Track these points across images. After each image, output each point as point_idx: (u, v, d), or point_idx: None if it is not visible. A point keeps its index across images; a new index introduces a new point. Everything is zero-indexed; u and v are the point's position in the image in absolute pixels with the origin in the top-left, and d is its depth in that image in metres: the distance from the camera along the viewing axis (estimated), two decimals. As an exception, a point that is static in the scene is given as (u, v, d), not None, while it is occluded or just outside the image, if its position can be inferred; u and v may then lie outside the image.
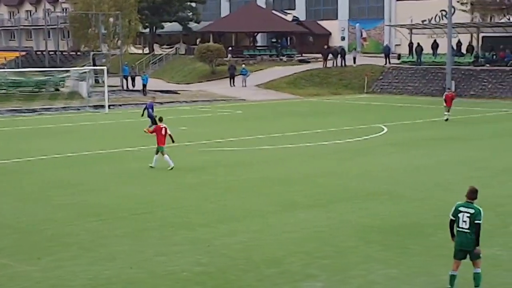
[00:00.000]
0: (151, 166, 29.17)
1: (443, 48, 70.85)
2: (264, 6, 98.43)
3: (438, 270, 15.96)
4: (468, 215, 14.32)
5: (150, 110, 40.37)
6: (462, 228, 14.35)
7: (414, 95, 67.12)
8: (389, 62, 76.52)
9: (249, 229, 19.68)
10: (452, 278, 14.59)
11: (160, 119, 30.71)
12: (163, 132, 29.42)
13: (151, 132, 31.29)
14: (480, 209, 14.35)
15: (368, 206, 22.27)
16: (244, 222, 20.50)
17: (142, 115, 40.93)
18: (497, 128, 42.67)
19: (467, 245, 14.35)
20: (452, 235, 14.61)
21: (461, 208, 14.46)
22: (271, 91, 70.46)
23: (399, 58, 78.86)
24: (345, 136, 38.70)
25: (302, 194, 24.22)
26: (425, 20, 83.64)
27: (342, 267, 16.35)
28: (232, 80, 73.19)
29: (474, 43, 76.01)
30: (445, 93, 48.74)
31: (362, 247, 17.79)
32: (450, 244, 17.78)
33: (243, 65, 75.21)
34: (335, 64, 77.58)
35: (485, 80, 66.65)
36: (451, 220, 14.56)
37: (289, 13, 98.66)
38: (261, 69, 79.28)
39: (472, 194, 14.55)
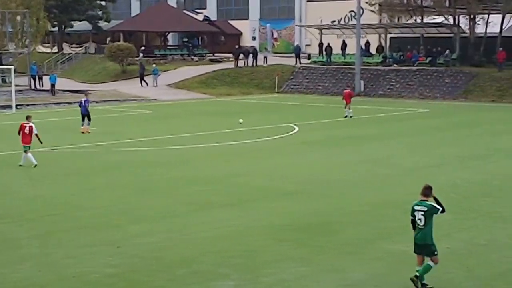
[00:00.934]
0: (20, 165, 29.26)
1: (352, 48, 71.92)
2: (175, 6, 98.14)
3: (347, 266, 16.22)
4: (422, 212, 14.89)
5: (84, 107, 40.69)
6: (419, 225, 14.91)
7: (325, 94, 67.89)
8: (300, 62, 77.20)
9: (161, 229, 19.59)
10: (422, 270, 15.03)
11: (27, 117, 30.33)
12: (26, 130, 29.15)
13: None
14: (433, 204, 14.99)
15: (280, 205, 22.42)
16: (156, 222, 20.40)
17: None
18: (405, 127, 43.48)
19: (423, 240, 14.88)
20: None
21: (416, 207, 15.00)
22: (183, 90, 70.27)
23: (309, 58, 79.65)
24: (257, 136, 38.85)
25: (215, 193, 24.24)
26: (334, 21, 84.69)
27: (254, 266, 16.42)
28: (142, 80, 72.67)
29: (382, 44, 77.35)
30: (344, 90, 50.03)
31: (274, 246, 17.91)
32: (358, 241, 18.21)
33: (154, 65, 74.78)
34: (246, 64, 77.84)
35: (393, 80, 67.88)
36: (412, 220, 15.08)
37: (200, 13, 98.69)
38: (172, 69, 79.00)
39: (426, 191, 15.09)
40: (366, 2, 74.69)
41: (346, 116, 47.07)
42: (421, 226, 14.86)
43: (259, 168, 29.14)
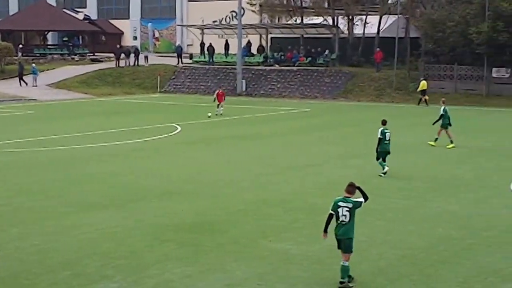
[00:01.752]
0: None
1: (235, 49, 72.41)
2: (54, 4, 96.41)
3: (231, 266, 16.32)
4: (348, 209, 15.22)
5: None
6: (343, 221, 15.22)
7: (207, 94, 67.99)
8: (182, 62, 77.20)
9: (42, 231, 19.25)
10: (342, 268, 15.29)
11: None
12: None
13: None
14: (357, 200, 15.39)
15: (163, 205, 22.37)
16: (38, 224, 20.03)
17: None
18: (286, 126, 44.02)
19: (345, 234, 15.25)
20: (326, 229, 15.48)
21: (340, 203, 15.28)
22: (63, 90, 69.14)
23: (191, 58, 79.69)
24: (140, 136, 38.63)
25: (97, 194, 23.97)
26: (216, 21, 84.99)
27: (138, 267, 16.33)
28: (21, 80, 71.06)
29: (264, 44, 78.07)
30: (216, 91, 50.99)
31: (158, 246, 17.86)
32: (241, 240, 18.34)
33: (33, 64, 73.25)
34: (128, 64, 77.26)
35: (274, 80, 68.66)
36: (331, 214, 15.37)
37: (80, 12, 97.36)
38: (52, 68, 77.64)
39: (350, 188, 15.42)
40: (247, 3, 75.36)
41: (217, 114, 48.62)
42: (345, 221, 15.23)
43: (141, 168, 28.96)
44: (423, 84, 58.78)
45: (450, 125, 34.76)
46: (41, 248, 17.74)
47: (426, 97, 58.11)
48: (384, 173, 27.45)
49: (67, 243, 18.23)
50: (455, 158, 31.95)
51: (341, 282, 15.17)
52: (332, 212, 15.38)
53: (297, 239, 18.56)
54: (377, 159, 27.96)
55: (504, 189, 24.95)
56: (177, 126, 42.56)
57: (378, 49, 67.89)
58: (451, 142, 34.36)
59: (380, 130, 27.77)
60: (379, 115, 50.40)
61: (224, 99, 49.80)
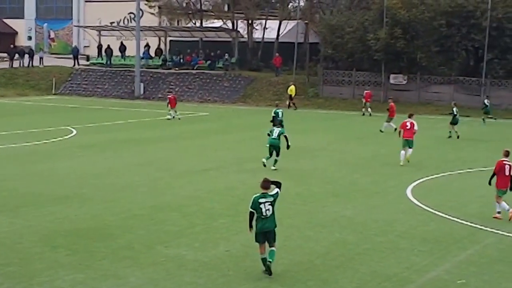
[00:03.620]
0: None
1: (132, 51, 71.70)
2: None
3: (125, 272, 15.96)
4: (269, 203, 15.89)
5: None
6: (266, 215, 15.88)
7: (104, 97, 67.08)
8: (78, 64, 75.92)
9: None
10: (264, 260, 15.96)
11: None
12: None
13: None
14: (275, 193, 16.07)
15: (55, 210, 21.75)
16: None
17: None
18: (184, 130, 43.72)
19: (269, 226, 15.93)
20: (251, 226, 16.03)
21: (261, 200, 15.87)
22: (-47, 91, 67.09)
23: (88, 60, 78.49)
24: (32, 139, 37.68)
25: (-16, 199, 23.18)
26: (113, 22, 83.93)
27: (27, 274, 15.77)
28: None
29: (162, 47, 77.48)
30: (169, 96, 51.25)
31: (48, 253, 17.31)
32: (136, 245, 17.95)
33: None
34: (21, 65, 75.52)
35: (173, 83, 68.19)
36: (252, 212, 15.84)
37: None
38: None
39: (266, 184, 16.06)
40: (146, 4, 74.68)
41: (170, 118, 48.91)
42: (268, 215, 15.85)
43: (33, 172, 28.17)
44: (291, 89, 59.51)
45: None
46: None
47: (294, 101, 59.42)
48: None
49: (-49, 249, 17.49)
50: (353, 163, 32.19)
51: (268, 267, 15.92)
52: (253, 210, 15.88)
53: (193, 245, 18.30)
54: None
55: (400, 195, 25.22)
56: (73, 129, 41.72)
57: (277, 54, 68.28)
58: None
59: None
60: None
61: (175, 105, 49.79)
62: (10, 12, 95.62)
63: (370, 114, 53.47)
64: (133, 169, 29.41)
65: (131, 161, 31.40)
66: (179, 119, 48.36)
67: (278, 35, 71.19)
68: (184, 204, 23.06)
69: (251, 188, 25.77)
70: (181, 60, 72.93)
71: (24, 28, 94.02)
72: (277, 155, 29.78)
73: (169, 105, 49.64)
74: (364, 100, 54.90)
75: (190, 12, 77.34)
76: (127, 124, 46.04)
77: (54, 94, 69.12)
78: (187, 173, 28.85)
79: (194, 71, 69.47)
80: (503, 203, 21.75)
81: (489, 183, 22.22)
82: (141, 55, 70.16)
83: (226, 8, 78.43)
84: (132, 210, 22.09)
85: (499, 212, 21.86)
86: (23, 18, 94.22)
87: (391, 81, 62.22)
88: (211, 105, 61.89)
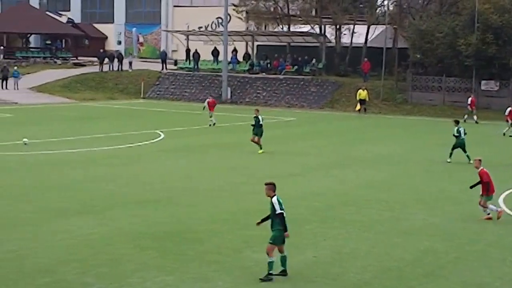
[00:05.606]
0: None
1: (219, 55, 72.17)
2: (37, 7, 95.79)
3: (213, 275, 16.03)
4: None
5: None
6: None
7: (191, 101, 67.57)
8: (166, 68, 76.63)
9: (19, 237, 18.86)
10: (283, 258, 16.19)
11: None
12: None
13: None
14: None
15: (143, 213, 22.00)
16: (14, 230, 19.63)
17: None
18: (269, 136, 43.56)
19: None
20: (286, 229, 16.29)
21: (280, 200, 16.34)
22: (45, 94, 68.53)
23: (176, 64, 79.16)
24: (121, 142, 38.23)
25: (74, 200, 23.58)
26: (201, 27, 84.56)
27: (118, 275, 15.99)
28: (4, 83, 70.38)
29: (250, 51, 77.67)
30: (207, 99, 49.45)
31: (138, 254, 17.51)
32: (223, 249, 18.03)
33: (15, 67, 72.62)
34: (111, 69, 76.73)
35: (260, 88, 68.28)
36: (282, 213, 16.21)
37: (63, 15, 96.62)
38: (34, 72, 76.94)
39: (274, 187, 16.55)
40: (234, 9, 74.95)
41: (211, 125, 46.92)
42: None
43: (121, 175, 28.58)
44: (360, 93, 59.06)
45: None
46: (19, 254, 17.37)
47: (364, 106, 59.08)
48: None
49: (45, 249, 17.87)
50: (440, 170, 31.70)
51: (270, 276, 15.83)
52: (283, 212, 16.14)
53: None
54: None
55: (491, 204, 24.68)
56: (160, 133, 42.16)
57: (365, 59, 67.70)
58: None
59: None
60: (364, 125, 50.50)
61: (213, 109, 48.20)
62: (100, 17, 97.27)
63: (477, 122, 52.41)
64: (217, 173, 29.54)
65: (215, 166, 31.55)
66: (214, 124, 47.27)
67: (366, 40, 70.62)
68: (269, 209, 22.96)
69: (338, 194, 25.74)
70: (268, 65, 72.94)
71: (113, 33, 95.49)
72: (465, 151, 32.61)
73: (206, 108, 48.17)
74: (469, 108, 53.82)
75: (277, 17, 77.32)
76: (213, 129, 46.29)
77: (143, 98, 70.00)
78: (272, 178, 28.43)
79: (281, 76, 69.40)
80: (491, 206, 22.20)
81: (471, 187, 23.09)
82: (229, 59, 70.49)
83: (313, 13, 78.20)
84: (218, 214, 22.19)
85: (489, 214, 22.18)
86: (112, 23, 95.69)
87: (482, 87, 60.93)
88: (298, 110, 61.76)
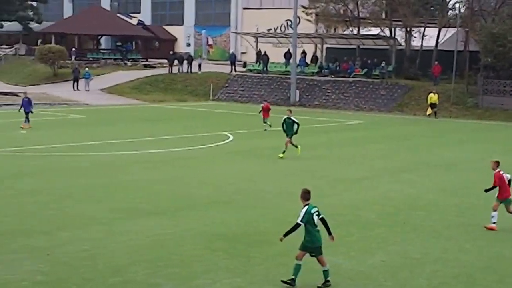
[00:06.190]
0: None
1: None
2: (108, 9, 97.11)
3: (280, 278, 15.96)
4: (317, 213, 15.60)
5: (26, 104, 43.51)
6: (316, 227, 15.55)
7: (260, 103, 67.40)
8: (235, 70, 76.92)
9: (91, 236, 19.14)
10: (325, 272, 15.70)
11: None
12: None
13: None
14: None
15: (212, 215, 22.11)
16: (86, 229, 19.92)
17: (19, 110, 44.13)
18: (338, 138, 43.58)
19: (320, 241, 15.60)
20: (286, 235, 15.65)
21: (313, 210, 15.50)
22: (115, 95, 69.46)
23: (244, 66, 79.39)
24: (190, 143, 38.50)
25: (145, 201, 23.82)
26: (270, 29, 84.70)
27: (188, 275, 16.11)
28: (76, 84, 71.58)
29: (318, 54, 77.51)
30: (262, 104, 48.48)
31: (208, 256, 17.61)
32: (292, 252, 17.96)
33: (87, 68, 73.77)
34: (180, 70, 77.34)
35: (329, 91, 68.09)
36: (299, 225, 15.41)
37: (134, 17, 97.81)
38: (105, 73, 78.07)
39: (309, 195, 15.74)
40: (303, 11, 74.89)
41: (265, 130, 45.87)
42: (317, 228, 15.57)
43: (191, 176, 28.77)
44: (431, 97, 58.35)
45: None
46: (91, 253, 17.61)
47: (435, 110, 58.57)
48: None
49: (116, 249, 18.09)
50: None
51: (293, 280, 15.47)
52: (301, 223, 15.47)
53: (349, 253, 18.23)
54: None
55: None
56: (229, 135, 42.34)
57: (436, 62, 66.94)
58: None
59: None
60: (435, 129, 49.95)
61: (268, 114, 46.46)
62: (170, 19, 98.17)
63: None
64: (287, 176, 29.52)
65: (283, 168, 31.54)
66: (265, 130, 45.95)
67: (437, 43, 69.80)
68: (340, 212, 22.94)
69: (407, 198, 25.51)
70: (337, 68, 72.71)
71: (183, 35, 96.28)
72: None
73: (261, 113, 46.76)
74: None
75: (347, 19, 77.02)
76: (281, 131, 46.20)
77: (212, 100, 70.41)
78: (342, 181, 28.73)
79: (350, 79, 69.10)
80: (493, 213, 21.44)
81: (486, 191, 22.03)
82: (297, 62, 70.45)
83: (384, 16, 77.65)
84: (287, 217, 22.04)
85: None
86: (182, 25, 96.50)
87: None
88: (366, 113, 61.41)
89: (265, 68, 75.29)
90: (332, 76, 71.31)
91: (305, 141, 40.94)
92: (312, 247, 15.48)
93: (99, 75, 76.17)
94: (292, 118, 34.69)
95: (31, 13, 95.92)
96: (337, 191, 26.75)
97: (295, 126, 34.42)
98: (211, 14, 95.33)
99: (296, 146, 34.35)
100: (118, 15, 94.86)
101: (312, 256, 15.64)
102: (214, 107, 64.02)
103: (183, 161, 32.86)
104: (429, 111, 58.61)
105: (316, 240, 15.46)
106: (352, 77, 69.53)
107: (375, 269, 16.99)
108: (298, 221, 15.39)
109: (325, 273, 15.62)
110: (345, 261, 17.60)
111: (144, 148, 36.08)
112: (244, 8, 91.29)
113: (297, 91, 67.22)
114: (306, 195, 15.68)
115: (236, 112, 59.75)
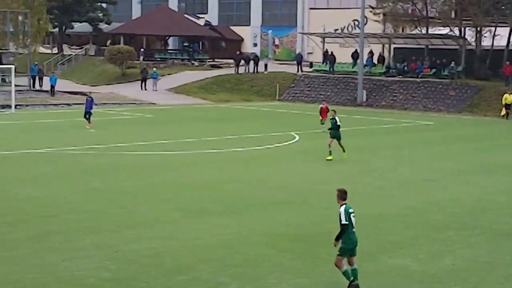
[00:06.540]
0: None
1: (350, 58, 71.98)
2: (176, 10, 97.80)
3: (346, 280, 15.75)
4: (354, 214, 15.32)
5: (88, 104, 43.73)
6: (353, 228, 15.24)
7: (325, 104, 67.21)
8: (301, 70, 76.72)
9: (158, 235, 19.21)
10: (354, 271, 15.21)
11: None
12: None
13: None
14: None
15: (279, 214, 22.01)
16: (153, 227, 20.02)
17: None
18: (406, 139, 43.09)
19: (357, 242, 15.27)
20: (338, 239, 15.21)
21: (350, 210, 15.27)
22: (182, 95, 69.90)
23: (311, 66, 79.11)
24: (257, 143, 38.48)
25: (211, 200, 23.85)
26: (337, 29, 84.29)
27: (254, 275, 16.05)
28: (144, 84, 72.28)
29: (386, 54, 76.81)
30: (321, 105, 47.05)
31: (274, 256, 17.52)
32: (360, 254, 17.70)
33: (154, 69, 74.39)
34: (247, 71, 77.47)
35: (396, 91, 67.41)
36: (346, 225, 15.11)
37: (201, 17, 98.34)
38: (172, 73, 78.65)
39: (346, 195, 15.61)
40: (370, 11, 74.26)
41: (324, 131, 45.11)
42: (354, 228, 15.24)
43: (256, 176, 28.72)
44: (506, 97, 57.64)
45: None
46: (158, 251, 17.68)
47: (508, 111, 57.57)
48: None
49: (181, 247, 18.14)
50: None
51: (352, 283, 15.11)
52: (347, 223, 15.17)
53: (418, 256, 17.92)
54: None
55: None
56: (295, 135, 42.18)
57: (507, 62, 65.68)
58: None
59: None
60: (506, 131, 49.04)
61: (326, 116, 43.69)
62: (237, 19, 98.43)
63: None
64: (351, 176, 29.23)
65: (349, 169, 31.26)
66: (323, 132, 43.54)
67: (508, 42, 68.52)
68: (407, 214, 22.63)
69: (476, 201, 25.05)
70: (405, 68, 71.91)
71: (249, 35, 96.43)
72: None
73: (320, 115, 45.24)
74: None
75: (415, 19, 76.14)
76: (348, 132, 45.91)
77: (278, 100, 70.34)
78: (409, 183, 28.35)
79: (418, 79, 68.27)
80: None
81: None
82: (364, 62, 69.93)
83: (453, 15, 76.57)
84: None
85: None
86: (249, 25, 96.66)
87: None
88: (435, 114, 60.58)
89: (331, 69, 74.90)
90: (400, 76, 70.54)
91: (373, 142, 40.73)
92: (351, 248, 15.16)
93: (166, 75, 76.75)
94: (336, 118, 34.08)
95: (100, 14, 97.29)
96: (405, 192, 26.39)
97: (337, 127, 33.62)
98: (278, 14, 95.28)
99: (344, 150, 33.52)
100: (186, 15, 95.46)
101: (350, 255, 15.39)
102: (280, 107, 63.94)
103: (249, 160, 32.84)
104: (503, 111, 57.63)
105: (354, 241, 15.17)
106: (420, 78, 68.66)
107: (445, 272, 16.68)
108: (343, 221, 15.09)
109: (354, 271, 15.27)
110: (413, 263, 17.32)
111: (210, 148, 36.16)
112: (311, 8, 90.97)
113: (364, 92, 66.72)
114: (343, 195, 15.51)
115: (302, 112, 59.53)
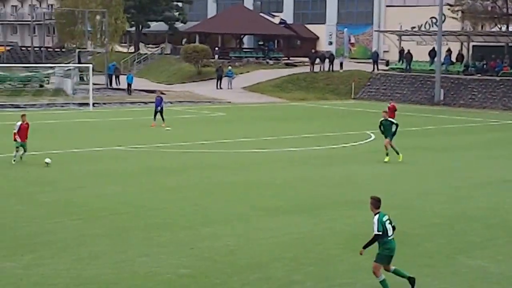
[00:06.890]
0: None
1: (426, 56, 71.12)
2: (251, 8, 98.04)
3: (424, 280, 15.63)
4: (389, 222, 14.81)
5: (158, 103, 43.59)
6: (391, 235, 14.79)
7: (402, 102, 66.49)
8: (377, 69, 76.07)
9: (233, 232, 19.29)
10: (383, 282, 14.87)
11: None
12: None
13: None
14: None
15: (353, 214, 21.83)
16: (228, 225, 20.10)
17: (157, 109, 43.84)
18: (484, 139, 42.37)
19: (395, 250, 14.89)
20: (366, 247, 14.90)
21: (385, 218, 14.76)
22: (257, 94, 70.04)
23: (387, 65, 78.40)
24: (332, 142, 38.32)
25: (285, 199, 23.82)
26: (414, 27, 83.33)
27: (328, 274, 15.97)
28: (219, 82, 72.68)
29: (464, 52, 75.59)
30: (388, 104, 45.97)
31: (348, 255, 17.39)
32: (437, 254, 17.58)
33: (229, 67, 74.74)
34: (322, 69, 77.20)
35: (475, 90, 66.31)
36: (379, 235, 14.66)
37: (276, 16, 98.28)
38: (247, 72, 78.89)
39: (380, 203, 14.95)
40: (449, 9, 73.25)
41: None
42: (392, 236, 14.79)
43: (331, 175, 28.57)
44: None
45: None
46: (232, 249, 17.75)
47: None
48: None
49: (255, 245, 18.16)
50: None
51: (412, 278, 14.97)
52: (381, 233, 14.63)
53: (496, 257, 17.59)
54: None
55: None
56: (371, 134, 41.82)
57: None
58: None
59: None
60: None
61: (394, 115, 42.24)
62: (312, 17, 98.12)
63: None
64: (426, 177, 28.87)
65: (424, 169, 30.83)
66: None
67: None
68: (486, 215, 22.23)
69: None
70: (484, 66, 70.66)
71: (324, 33, 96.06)
72: None
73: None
74: None
75: (495, 16, 74.80)
76: (423, 131, 45.42)
77: (353, 98, 69.95)
78: (488, 183, 27.82)
79: (497, 78, 67.05)
80: None
81: None
82: (442, 60, 68.97)
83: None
84: (431, 218, 21.66)
85: None
86: (324, 23, 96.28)
87: None
88: (513, 113, 59.50)
89: (408, 67, 74.09)
90: (479, 74, 69.33)
91: (447, 141, 40.15)
92: (389, 256, 14.80)
93: (241, 73, 77.01)
94: (390, 119, 33.47)
95: (176, 13, 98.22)
96: (483, 192, 25.90)
97: (394, 127, 32.39)
98: (354, 12, 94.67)
99: (398, 153, 32.37)
100: (261, 14, 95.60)
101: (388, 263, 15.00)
102: (355, 105, 63.57)
103: (324, 159, 32.69)
104: None
105: (392, 248, 14.76)
106: (500, 76, 67.41)
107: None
108: (375, 231, 14.64)
109: (398, 270, 15.07)
110: (491, 265, 16.99)
111: (287, 146, 36.13)
112: (388, 6, 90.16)
113: (442, 90, 65.81)
114: (377, 203, 14.92)
115: (378, 111, 58.77)
